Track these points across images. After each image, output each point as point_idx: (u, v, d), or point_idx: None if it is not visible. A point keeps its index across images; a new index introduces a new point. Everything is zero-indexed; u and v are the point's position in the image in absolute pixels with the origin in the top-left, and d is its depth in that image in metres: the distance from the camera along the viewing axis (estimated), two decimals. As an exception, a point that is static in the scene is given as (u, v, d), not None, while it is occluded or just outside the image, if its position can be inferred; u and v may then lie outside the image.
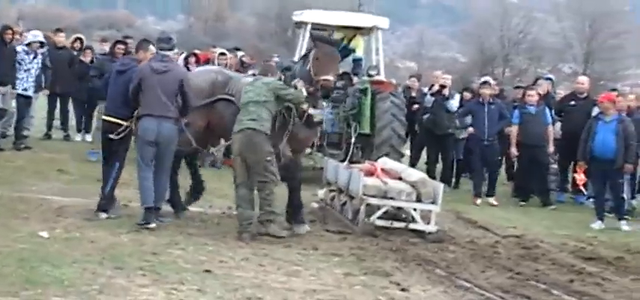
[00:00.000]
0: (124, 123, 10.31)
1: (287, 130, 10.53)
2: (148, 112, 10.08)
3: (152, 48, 10.85)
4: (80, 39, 18.82)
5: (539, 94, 16.42)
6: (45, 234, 8.96)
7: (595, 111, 15.14)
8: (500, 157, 16.13)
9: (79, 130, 18.23)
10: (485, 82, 17.07)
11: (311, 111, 10.61)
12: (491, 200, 15.56)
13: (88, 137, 17.46)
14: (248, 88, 10.41)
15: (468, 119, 16.32)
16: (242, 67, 17.43)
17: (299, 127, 10.70)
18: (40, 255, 8.02)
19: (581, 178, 14.49)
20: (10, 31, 15.92)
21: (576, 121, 15.77)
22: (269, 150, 10.05)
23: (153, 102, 10.08)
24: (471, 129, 15.87)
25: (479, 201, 15.40)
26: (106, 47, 17.88)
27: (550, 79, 18.34)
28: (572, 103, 16.82)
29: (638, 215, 15.08)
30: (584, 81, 17.74)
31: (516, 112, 15.88)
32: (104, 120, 10.72)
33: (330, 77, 10.65)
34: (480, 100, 15.96)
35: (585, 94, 16.75)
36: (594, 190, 14.62)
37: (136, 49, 11.41)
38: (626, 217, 14.19)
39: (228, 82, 11.12)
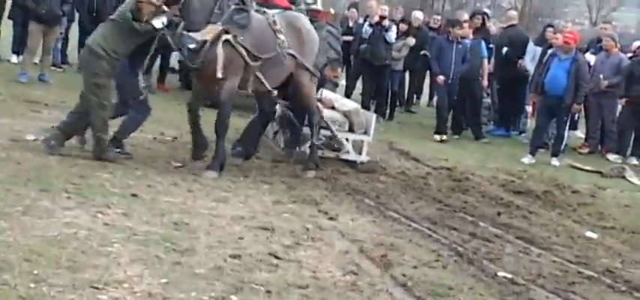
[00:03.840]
0: None
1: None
2: None
3: None
4: None
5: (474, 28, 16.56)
6: (-31, 154, 8.75)
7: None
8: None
9: (15, 52, 17.40)
10: (457, 21, 17.04)
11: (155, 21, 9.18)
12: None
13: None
14: None
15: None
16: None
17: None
18: (-38, 175, 7.84)
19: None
20: None
21: None
22: (95, 72, 9.16)
23: None
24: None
25: (438, 137, 15.42)
26: None
27: (486, 14, 18.43)
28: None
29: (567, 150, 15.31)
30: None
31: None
32: None
33: None
34: (450, 38, 15.65)
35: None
36: (537, 123, 14.74)
37: None
38: (560, 152, 14.39)
39: None
